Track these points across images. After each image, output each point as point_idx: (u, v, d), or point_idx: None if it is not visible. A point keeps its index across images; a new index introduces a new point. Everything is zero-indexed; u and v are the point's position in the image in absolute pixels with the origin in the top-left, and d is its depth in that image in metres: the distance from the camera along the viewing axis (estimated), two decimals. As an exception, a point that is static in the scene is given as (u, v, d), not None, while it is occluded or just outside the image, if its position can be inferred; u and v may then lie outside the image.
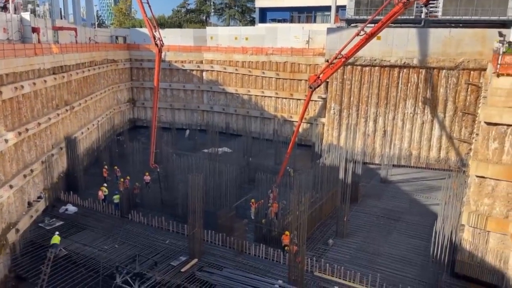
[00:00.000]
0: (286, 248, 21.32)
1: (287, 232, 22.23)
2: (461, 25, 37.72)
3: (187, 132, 49.45)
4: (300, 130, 39.96)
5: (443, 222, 20.78)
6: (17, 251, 22.09)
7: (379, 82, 38.51)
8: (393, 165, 37.56)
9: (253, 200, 26.91)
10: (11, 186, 21.96)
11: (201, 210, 21.27)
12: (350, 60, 33.46)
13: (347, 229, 24.96)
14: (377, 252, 23.09)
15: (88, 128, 37.44)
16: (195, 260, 21.28)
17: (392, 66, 37.73)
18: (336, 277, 19.82)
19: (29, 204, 25.00)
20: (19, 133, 23.52)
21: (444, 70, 36.31)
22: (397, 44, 37.06)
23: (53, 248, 21.04)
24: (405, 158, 39.02)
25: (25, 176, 24.17)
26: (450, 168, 35.72)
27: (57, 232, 22.64)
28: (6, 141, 21.83)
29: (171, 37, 50.68)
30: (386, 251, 23.24)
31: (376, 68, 38.26)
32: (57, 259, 20.94)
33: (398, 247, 23.69)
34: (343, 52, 29.61)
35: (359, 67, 38.71)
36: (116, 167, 33.81)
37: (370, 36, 28.06)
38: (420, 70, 36.98)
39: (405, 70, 37.56)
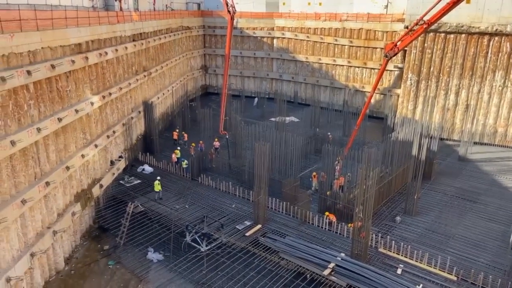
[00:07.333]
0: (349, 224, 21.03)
1: (327, 213, 22.14)
2: None
3: (256, 100, 49.81)
4: (372, 101, 38.31)
5: (528, 208, 19.02)
6: (101, 205, 24.44)
7: (464, 51, 35.20)
8: (474, 143, 34.78)
9: (314, 173, 26.81)
10: (96, 145, 23.98)
11: (267, 177, 21.64)
12: (433, 27, 30.77)
13: (417, 207, 23.90)
14: (448, 233, 21.90)
15: (163, 94, 39.23)
16: (259, 226, 21.94)
17: (482, 34, 34.09)
18: (402, 256, 19.29)
19: (111, 163, 27.22)
20: (103, 97, 25.34)
21: (545, 38, 32.09)
22: (489, 8, 33.25)
23: (157, 194, 25.06)
24: (489, 135, 35.86)
25: (108, 136, 26.16)
26: (542, 149, 32.24)
27: (158, 178, 25.36)
28: (92, 103, 23.68)
29: (243, 3, 50.36)
30: (459, 233, 21.95)
31: (463, 35, 34.86)
32: (135, 214, 22.83)
33: (472, 230, 22.25)
34: (426, 18, 27.24)
35: (442, 34, 35.57)
36: (184, 133, 35.33)
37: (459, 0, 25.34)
38: (515, 38, 33.03)
39: (496, 38, 33.77)
